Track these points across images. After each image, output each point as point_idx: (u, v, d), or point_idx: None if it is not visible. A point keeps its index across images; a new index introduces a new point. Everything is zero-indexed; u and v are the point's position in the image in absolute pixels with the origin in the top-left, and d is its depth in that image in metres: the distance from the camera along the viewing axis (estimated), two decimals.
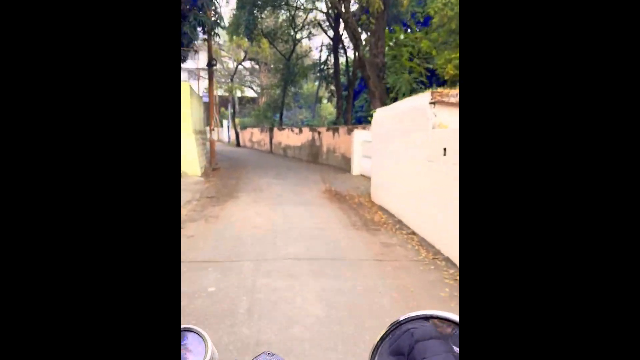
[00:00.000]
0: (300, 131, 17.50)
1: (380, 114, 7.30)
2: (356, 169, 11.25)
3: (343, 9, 11.30)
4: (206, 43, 11.54)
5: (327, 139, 14.73)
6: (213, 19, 9.97)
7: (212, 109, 11.91)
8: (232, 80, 24.50)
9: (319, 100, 25.54)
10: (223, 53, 26.38)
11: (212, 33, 10.62)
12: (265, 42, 22.08)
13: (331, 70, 18.92)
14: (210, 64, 11.45)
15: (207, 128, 14.85)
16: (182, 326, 0.69)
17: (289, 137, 18.87)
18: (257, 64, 32.34)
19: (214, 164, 12.33)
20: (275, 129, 20.76)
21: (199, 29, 10.24)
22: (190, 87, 10.53)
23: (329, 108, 37.97)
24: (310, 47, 23.39)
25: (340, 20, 16.40)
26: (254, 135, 24.09)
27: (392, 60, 12.47)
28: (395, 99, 10.15)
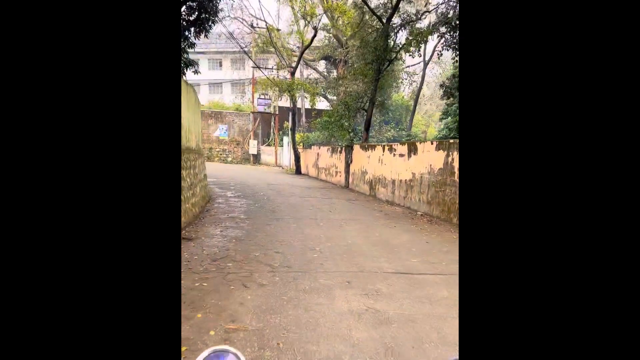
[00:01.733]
0: (413, 151, 8.11)
1: None
2: None
3: None
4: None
5: None
6: None
7: None
8: (292, 74, 16.19)
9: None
10: (285, 39, 18.45)
11: None
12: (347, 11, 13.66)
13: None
14: None
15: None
16: (219, 347, 0.68)
17: (383, 163, 9.59)
18: (333, 63, 24.13)
19: None
20: (357, 148, 11.65)
21: None
22: None
23: (420, 124, 28.12)
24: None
25: None
26: (321, 159, 15.23)
27: None
28: None
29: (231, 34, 16.19)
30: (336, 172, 13.56)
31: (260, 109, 21.89)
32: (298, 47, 19.95)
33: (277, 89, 15.64)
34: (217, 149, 22.30)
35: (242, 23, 21.30)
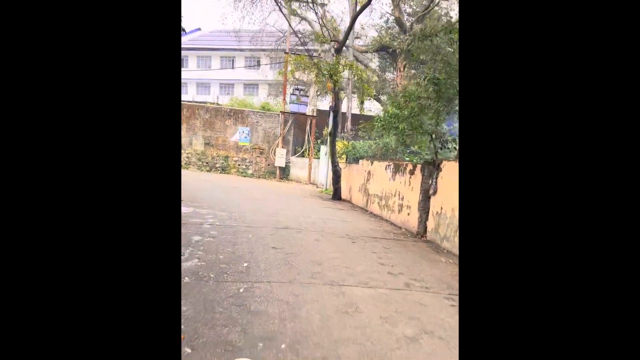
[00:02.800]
0: None
1: None
2: None
3: None
4: None
5: None
6: None
7: None
8: (338, 51, 10.85)
9: None
10: None
11: None
12: None
13: None
14: None
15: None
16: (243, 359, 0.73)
17: None
18: (391, 55, 18.53)
19: None
20: (450, 167, 5.93)
21: None
22: None
23: None
24: None
25: None
26: (374, 181, 9.64)
27: None
28: None
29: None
30: (401, 207, 7.92)
31: (293, 108, 16.77)
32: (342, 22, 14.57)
33: (314, 70, 10.37)
34: (235, 158, 17.41)
35: None
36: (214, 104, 20.46)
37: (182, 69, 36.85)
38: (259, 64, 32.73)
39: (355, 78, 11.00)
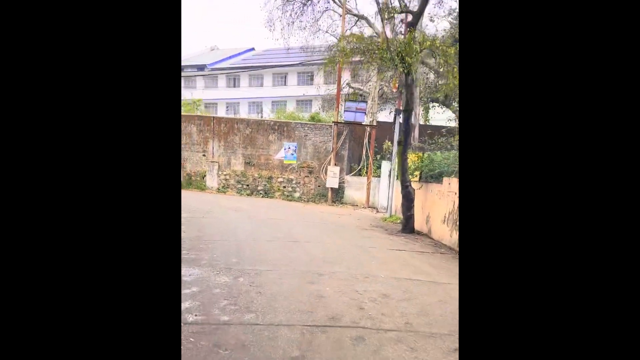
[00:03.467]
0: None
1: None
2: None
3: None
4: None
5: None
6: None
7: None
8: (412, 25, 7.67)
9: None
10: None
11: None
12: None
13: None
14: None
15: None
16: None
17: None
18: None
19: None
20: None
21: None
22: None
23: None
24: None
25: None
26: None
27: None
28: None
29: None
30: None
31: (348, 117, 13.76)
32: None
33: (379, 54, 7.28)
34: (280, 179, 14.68)
35: None
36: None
37: (234, 89, 36.11)
38: (312, 78, 30.66)
39: (436, 57, 7.69)
